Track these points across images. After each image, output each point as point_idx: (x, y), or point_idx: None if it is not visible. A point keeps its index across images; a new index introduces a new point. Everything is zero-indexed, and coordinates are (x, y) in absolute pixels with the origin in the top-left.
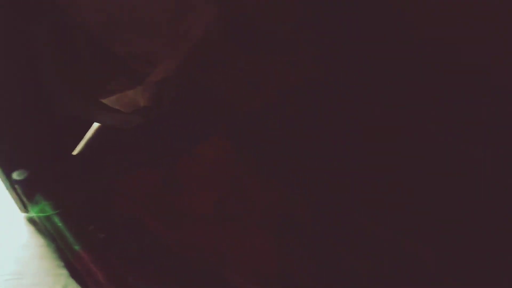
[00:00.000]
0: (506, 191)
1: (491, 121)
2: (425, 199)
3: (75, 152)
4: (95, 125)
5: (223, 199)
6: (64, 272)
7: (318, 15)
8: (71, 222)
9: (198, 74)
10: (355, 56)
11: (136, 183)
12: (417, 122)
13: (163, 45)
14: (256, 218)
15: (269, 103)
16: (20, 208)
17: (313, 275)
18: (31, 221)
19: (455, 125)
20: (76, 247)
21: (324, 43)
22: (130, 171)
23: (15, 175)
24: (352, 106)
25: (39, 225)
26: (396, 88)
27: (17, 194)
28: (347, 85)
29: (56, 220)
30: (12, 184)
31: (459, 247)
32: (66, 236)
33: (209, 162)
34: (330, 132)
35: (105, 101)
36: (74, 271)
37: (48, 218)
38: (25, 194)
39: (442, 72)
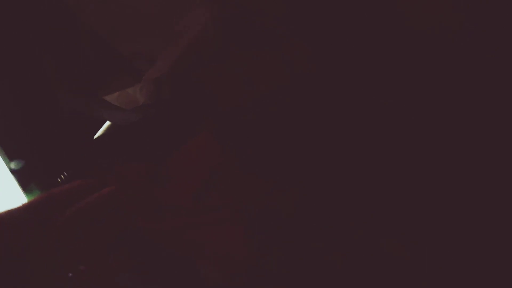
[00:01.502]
0: (506, 191)
1: (491, 121)
2: (425, 199)
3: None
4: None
5: (202, 192)
6: None
7: (312, 10)
8: None
9: (193, 71)
10: (350, 52)
11: (121, 177)
12: (417, 122)
13: (162, 43)
14: (232, 211)
15: (260, 99)
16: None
17: (285, 267)
18: None
19: (455, 125)
20: None
21: (317, 39)
22: (119, 165)
23: (12, 165)
24: (345, 104)
25: None
26: (396, 87)
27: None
28: (340, 81)
29: None
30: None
31: (458, 248)
32: None
33: (194, 157)
34: (319, 129)
35: (106, 98)
36: None
37: None
38: (20, 183)
39: (442, 71)
